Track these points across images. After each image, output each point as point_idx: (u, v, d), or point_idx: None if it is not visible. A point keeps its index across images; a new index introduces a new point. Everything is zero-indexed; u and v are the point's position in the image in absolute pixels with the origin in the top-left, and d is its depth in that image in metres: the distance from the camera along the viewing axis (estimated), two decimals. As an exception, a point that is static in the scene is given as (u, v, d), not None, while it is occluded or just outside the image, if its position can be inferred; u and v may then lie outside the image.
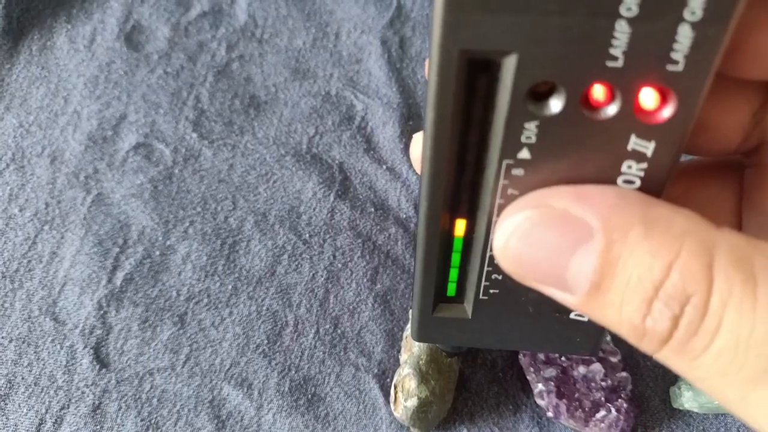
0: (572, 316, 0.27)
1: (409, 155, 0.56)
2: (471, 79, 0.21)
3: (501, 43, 0.19)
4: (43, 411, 0.48)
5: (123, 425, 0.48)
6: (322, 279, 0.52)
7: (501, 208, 0.23)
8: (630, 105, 0.20)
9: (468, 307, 0.27)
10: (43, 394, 0.49)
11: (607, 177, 0.22)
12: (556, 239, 0.20)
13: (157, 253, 0.52)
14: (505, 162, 0.22)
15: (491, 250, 0.25)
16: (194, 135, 0.56)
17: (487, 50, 0.20)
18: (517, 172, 0.22)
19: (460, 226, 0.25)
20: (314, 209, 0.54)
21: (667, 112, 0.20)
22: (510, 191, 0.23)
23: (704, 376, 0.19)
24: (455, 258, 0.26)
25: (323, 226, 0.54)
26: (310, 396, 0.49)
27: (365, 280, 0.52)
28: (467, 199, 0.24)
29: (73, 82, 0.57)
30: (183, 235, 0.53)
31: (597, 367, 0.49)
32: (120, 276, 0.52)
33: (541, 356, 0.49)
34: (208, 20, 0.60)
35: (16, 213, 0.53)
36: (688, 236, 0.18)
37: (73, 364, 0.49)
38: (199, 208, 0.54)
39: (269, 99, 0.57)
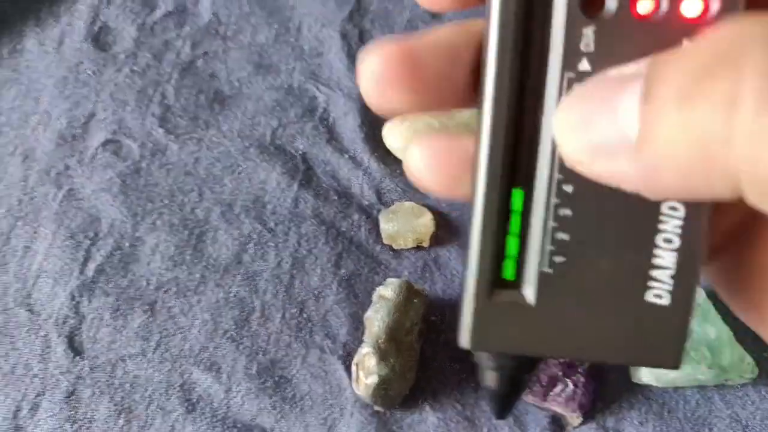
0: (649, 297, 0.23)
1: (371, 144, 0.58)
2: None
3: None
4: (20, 398, 0.50)
5: (96, 410, 0.50)
6: (288, 266, 0.54)
7: None
8: (675, 9, 0.20)
9: (530, 291, 0.23)
10: (19, 382, 0.50)
11: None
12: (605, 94, 0.19)
13: (127, 244, 0.54)
14: (567, 75, 0.21)
15: (557, 197, 0.22)
16: (161, 130, 0.57)
17: None
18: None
19: (521, 175, 0.23)
20: (278, 199, 0.56)
21: (711, 16, 0.20)
22: None
23: None
24: (514, 221, 0.23)
25: (288, 214, 0.56)
26: (277, 378, 0.51)
27: (330, 265, 0.54)
28: (529, 138, 0.23)
29: (43, 82, 0.59)
30: (151, 227, 0.55)
31: (552, 341, 0.50)
32: (92, 267, 0.53)
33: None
34: (173, 19, 0.62)
35: (-11, 210, 0.55)
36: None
37: (48, 353, 0.51)
38: (167, 200, 0.56)
39: (234, 93, 0.59)
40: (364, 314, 0.53)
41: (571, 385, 0.50)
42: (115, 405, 0.50)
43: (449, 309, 0.54)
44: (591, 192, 0.22)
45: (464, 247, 0.24)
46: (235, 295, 0.53)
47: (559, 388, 0.50)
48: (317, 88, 0.60)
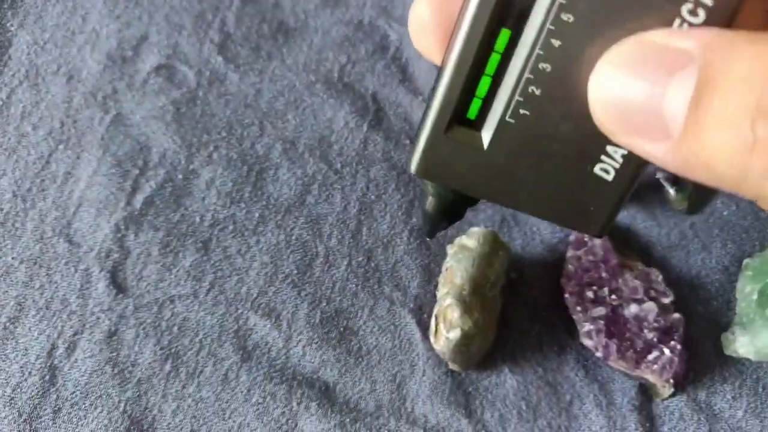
0: (597, 169, 0.24)
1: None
2: None
3: None
4: (55, 336, 0.45)
5: (141, 353, 0.45)
6: (355, 210, 0.49)
7: None
8: None
9: (486, 135, 0.23)
10: (55, 318, 0.45)
11: None
12: (654, 70, 0.18)
13: (180, 176, 0.49)
14: None
15: (541, 49, 0.22)
16: (219, 58, 0.52)
17: None
18: None
19: (511, 17, 0.22)
20: (346, 139, 0.51)
21: None
22: None
23: None
24: (493, 60, 0.22)
25: (356, 156, 0.51)
26: (342, 329, 0.46)
27: (400, 213, 0.49)
28: None
29: (92, 0, 0.54)
30: (207, 160, 0.50)
31: (650, 305, 0.46)
32: (140, 199, 0.48)
33: (590, 294, 0.46)
34: (236, -57, 0.57)
35: (29, 131, 0.50)
36: None
37: (87, 288, 0.46)
38: (224, 132, 0.51)
39: (298, 26, 0.54)
40: (437, 267, 0.48)
41: (667, 353, 0.45)
42: (161, 349, 0.45)
43: (529, 266, 0.49)
44: (575, 54, 0.21)
45: (439, 73, 0.23)
46: (297, 238, 0.48)
47: (653, 355, 0.45)
48: (389, 26, 0.55)
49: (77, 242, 0.47)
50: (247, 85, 0.52)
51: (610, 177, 0.24)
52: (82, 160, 0.49)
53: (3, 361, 0.44)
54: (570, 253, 0.48)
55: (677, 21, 0.20)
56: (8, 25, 0.53)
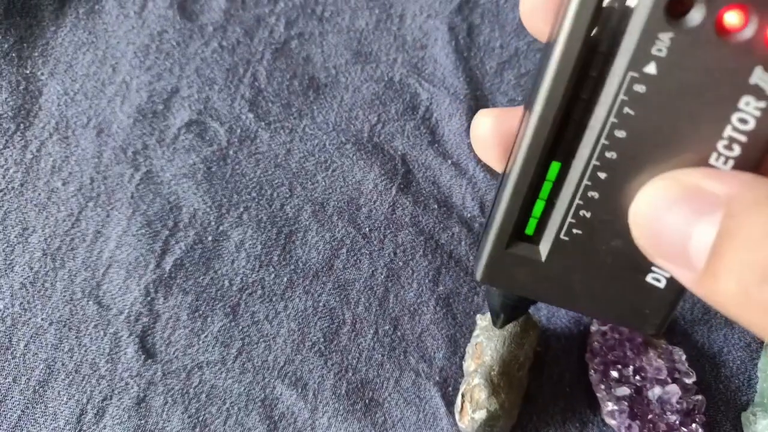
0: (649, 278, 0.26)
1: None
2: None
3: None
4: (84, 401, 0.45)
5: (169, 420, 0.45)
6: (382, 277, 0.49)
7: (612, 128, 0.23)
8: (762, 33, 0.20)
9: (544, 249, 0.26)
10: (84, 382, 0.45)
11: (723, 112, 0.22)
12: (685, 210, 0.20)
13: (210, 238, 0.49)
14: (630, 74, 0.22)
15: (589, 180, 0.24)
16: (250, 115, 0.52)
17: None
18: (639, 88, 0.22)
19: (562, 150, 0.24)
20: (375, 202, 0.51)
21: None
22: (626, 110, 0.22)
23: None
24: (546, 188, 0.25)
25: (384, 220, 0.51)
26: (367, 401, 0.46)
27: (427, 280, 0.50)
28: (578, 119, 0.24)
29: (122, 50, 0.54)
30: (237, 221, 0.50)
31: (673, 388, 0.46)
32: (169, 261, 0.48)
33: (614, 374, 0.47)
34: (268, -7, 0.56)
35: (59, 186, 0.50)
36: None
37: (117, 353, 0.46)
38: (255, 193, 0.51)
39: (329, 82, 0.54)
40: (463, 338, 0.48)
41: (688, 436, 0.46)
42: (189, 417, 0.45)
43: (555, 340, 0.49)
44: (620, 184, 0.23)
45: (500, 192, 0.26)
46: (324, 305, 0.48)
47: (675, 438, 0.46)
48: (420, 84, 0.54)
49: (107, 304, 0.47)
50: (278, 144, 0.52)
51: (661, 285, 0.26)
52: (111, 219, 0.49)
53: (32, 425, 0.44)
54: (594, 327, 0.49)
55: (714, 155, 0.22)
56: (39, 74, 0.53)
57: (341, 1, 0.56)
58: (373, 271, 0.49)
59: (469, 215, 0.51)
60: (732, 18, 0.20)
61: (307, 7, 0.56)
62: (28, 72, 0.52)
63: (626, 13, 0.21)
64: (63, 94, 0.52)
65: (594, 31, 0.22)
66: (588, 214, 0.25)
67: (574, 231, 0.25)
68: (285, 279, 0.49)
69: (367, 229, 0.50)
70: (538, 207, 0.26)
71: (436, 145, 0.53)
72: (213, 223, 0.49)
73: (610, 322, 0.30)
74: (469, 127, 0.53)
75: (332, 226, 0.50)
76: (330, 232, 0.50)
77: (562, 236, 0.25)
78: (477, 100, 0.54)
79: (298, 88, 0.54)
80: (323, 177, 0.51)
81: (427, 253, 0.50)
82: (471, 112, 0.54)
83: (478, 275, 0.28)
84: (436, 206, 0.51)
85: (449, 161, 0.52)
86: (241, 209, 0.50)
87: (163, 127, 0.52)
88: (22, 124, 0.51)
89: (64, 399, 0.45)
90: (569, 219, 0.25)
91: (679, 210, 0.20)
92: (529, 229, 0.26)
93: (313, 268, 0.49)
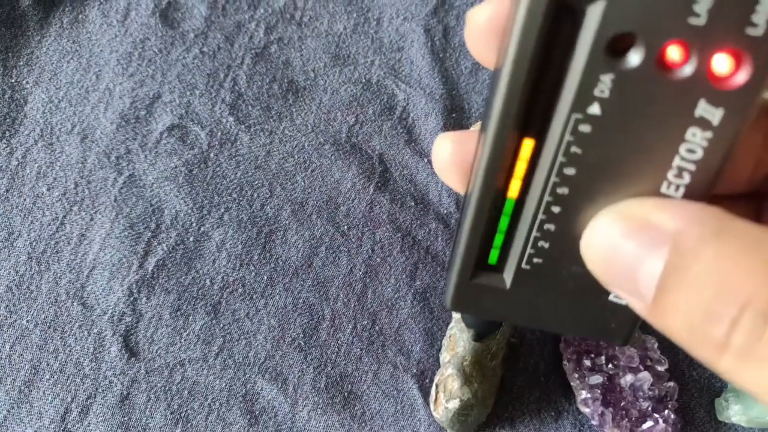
0: (611, 298, 0.26)
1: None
2: (555, 24, 0.21)
3: None
4: (69, 400, 0.46)
5: (152, 417, 0.46)
6: (361, 273, 0.51)
7: (562, 167, 0.23)
8: (704, 67, 0.20)
9: (507, 277, 0.27)
10: (69, 381, 0.47)
11: (671, 144, 0.22)
12: (634, 243, 0.21)
13: (191, 239, 0.50)
14: (574, 116, 0.22)
15: (543, 214, 0.24)
16: (231, 119, 0.54)
17: None
18: (584, 128, 0.22)
19: (514, 188, 0.25)
20: (353, 201, 0.52)
21: (741, 77, 0.20)
22: (573, 149, 0.23)
23: None
24: (503, 222, 0.25)
25: (362, 218, 0.52)
26: (346, 394, 0.48)
27: (404, 276, 0.51)
28: (528, 158, 0.24)
29: (106, 57, 0.55)
30: (218, 222, 0.51)
31: (645, 375, 0.47)
32: (152, 261, 0.50)
33: (587, 362, 0.48)
34: (247, 0, 0.57)
35: (44, 192, 0.51)
36: (758, 245, 0.19)
37: (101, 352, 0.47)
38: (235, 194, 0.52)
39: (308, 85, 0.55)
40: (440, 331, 0.49)
41: (661, 423, 0.46)
42: (171, 413, 0.46)
43: (529, 331, 0.50)
44: (573, 217, 0.24)
45: (461, 224, 0.26)
46: (304, 301, 0.50)
47: (648, 424, 0.47)
48: (396, 85, 0.56)
49: (91, 305, 0.48)
50: (258, 146, 0.53)
51: (624, 302, 0.26)
52: (95, 222, 0.50)
53: (18, 425, 0.46)
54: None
55: (665, 184, 0.22)
56: (24, 82, 0.54)
57: (320, 6, 0.58)
58: (351, 268, 0.51)
59: (445, 211, 0.52)
60: (673, 54, 0.20)
61: (287, 12, 0.57)
62: (13, 81, 0.54)
63: (569, 51, 0.21)
64: (48, 102, 0.54)
65: (539, 65, 0.22)
66: (546, 245, 0.25)
67: (535, 260, 0.26)
68: (265, 277, 0.50)
69: (346, 227, 0.52)
70: (498, 239, 0.26)
71: (413, 144, 0.54)
72: (194, 224, 0.51)
73: (578, 336, 0.31)
74: (444, 125, 0.54)
75: (311, 224, 0.51)
76: (309, 230, 0.51)
77: (523, 265, 0.26)
78: (453, 100, 0.55)
79: (277, 91, 0.55)
80: (302, 177, 0.53)
81: (405, 249, 0.51)
82: (447, 111, 0.55)
83: (448, 304, 0.28)
84: (413, 203, 0.53)
85: (426, 159, 0.54)
86: (222, 210, 0.51)
87: (146, 131, 0.53)
88: (7, 132, 0.52)
89: (49, 398, 0.46)
90: (529, 249, 0.25)
91: (629, 243, 0.21)
92: (492, 259, 0.27)
93: (292, 266, 0.50)
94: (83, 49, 0.55)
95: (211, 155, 0.53)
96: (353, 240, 0.51)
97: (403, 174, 0.53)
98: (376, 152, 0.54)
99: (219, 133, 0.53)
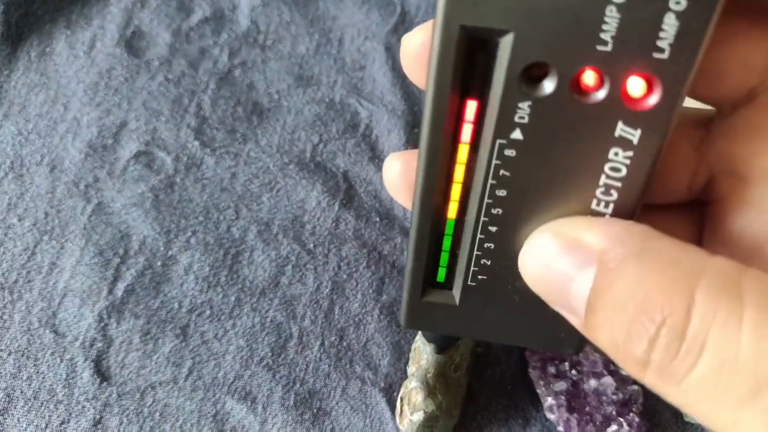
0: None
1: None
2: (470, 57, 0.22)
3: (499, 22, 0.20)
4: (43, 425, 0.47)
5: (124, 440, 0.47)
6: (327, 290, 0.51)
7: (493, 188, 0.24)
8: (617, 91, 0.21)
9: (456, 293, 0.27)
10: (42, 408, 0.48)
11: (596, 164, 0.22)
12: (565, 262, 0.21)
13: (159, 263, 0.51)
14: (498, 141, 0.22)
15: (482, 234, 0.25)
16: (196, 143, 0.55)
17: (485, 27, 0.21)
18: (510, 152, 0.23)
19: (452, 209, 0.25)
20: (318, 219, 0.53)
21: (653, 99, 0.21)
22: (502, 172, 0.23)
23: (692, 402, 0.19)
24: (446, 242, 0.26)
25: (328, 235, 0.53)
26: (315, 410, 0.48)
27: (371, 291, 0.51)
28: (461, 180, 0.25)
29: (73, 88, 0.56)
30: (185, 245, 0.52)
31: (608, 380, 0.48)
32: (121, 287, 0.51)
33: (552, 369, 0.48)
34: (210, 26, 0.59)
35: (15, 223, 0.52)
36: (675, 263, 0.19)
37: (73, 378, 0.48)
38: (201, 217, 0.53)
39: (272, 106, 0.56)
40: (407, 344, 0.50)
41: (625, 426, 0.47)
42: (143, 435, 0.47)
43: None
44: (510, 235, 0.25)
45: (408, 245, 0.27)
46: (271, 321, 0.50)
47: (613, 428, 0.47)
48: (359, 103, 0.57)
49: (62, 332, 0.49)
50: (223, 169, 0.54)
51: None
52: (65, 250, 0.52)
53: (-6, 452, 0.47)
54: (534, 327, 0.50)
55: (594, 201, 0.23)
56: (-6, 116, 0.55)
57: (282, 29, 0.59)
58: (318, 285, 0.51)
59: (410, 226, 0.53)
60: (588, 80, 0.21)
61: (250, 36, 0.58)
62: (-18, 116, 0.55)
63: (487, 79, 0.22)
64: (17, 135, 0.55)
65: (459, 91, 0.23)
66: (489, 262, 0.26)
67: (480, 277, 0.26)
68: (233, 298, 0.51)
69: (312, 245, 0.52)
70: (444, 257, 0.27)
71: (377, 160, 0.55)
72: (162, 249, 0.52)
73: (531, 348, 0.31)
74: (407, 140, 0.55)
75: (277, 244, 0.52)
76: (275, 250, 0.52)
77: (469, 282, 0.27)
78: (415, 115, 0.56)
79: (242, 114, 0.56)
80: (268, 198, 0.54)
81: (371, 264, 0.52)
82: (409, 127, 0.56)
83: (402, 322, 0.29)
84: (378, 219, 0.53)
85: (389, 175, 0.54)
86: (189, 233, 0.52)
87: (113, 159, 0.54)
88: (-22, 166, 0.54)
89: (24, 425, 0.47)
90: (473, 267, 0.26)
91: (561, 261, 0.21)
92: (440, 277, 0.27)
93: (259, 285, 0.51)
94: (51, 81, 0.57)
95: (177, 180, 0.54)
96: (319, 257, 0.52)
97: (368, 190, 0.54)
98: (341, 170, 0.55)
99: (185, 158, 0.54)
